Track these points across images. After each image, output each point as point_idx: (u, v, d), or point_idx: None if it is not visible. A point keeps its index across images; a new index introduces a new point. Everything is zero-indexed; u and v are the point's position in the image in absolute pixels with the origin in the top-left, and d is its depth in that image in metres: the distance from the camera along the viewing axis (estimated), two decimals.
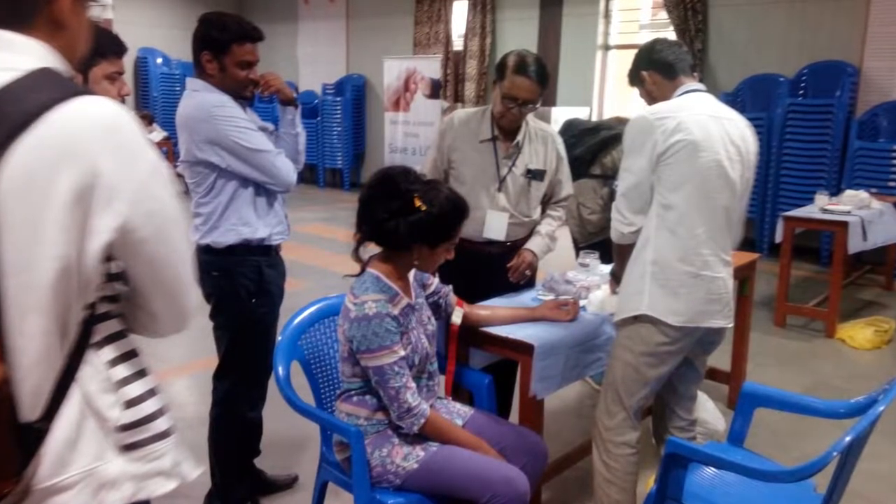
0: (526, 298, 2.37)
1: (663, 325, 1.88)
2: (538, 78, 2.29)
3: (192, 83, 2.08)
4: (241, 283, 2.12)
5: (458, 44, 8.93)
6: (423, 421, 1.73)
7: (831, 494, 1.56)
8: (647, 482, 2.18)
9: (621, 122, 3.26)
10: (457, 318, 2.03)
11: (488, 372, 2.14)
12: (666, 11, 6.92)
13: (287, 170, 2.13)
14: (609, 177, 3.20)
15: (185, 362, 3.62)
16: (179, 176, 2.09)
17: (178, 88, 9.95)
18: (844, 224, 4.17)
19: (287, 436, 2.76)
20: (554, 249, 2.56)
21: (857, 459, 1.59)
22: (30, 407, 0.86)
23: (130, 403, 0.95)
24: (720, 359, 3.00)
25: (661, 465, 1.73)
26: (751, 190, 2.03)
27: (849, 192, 4.73)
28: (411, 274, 1.89)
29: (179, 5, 10.36)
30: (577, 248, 3.28)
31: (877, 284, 5.47)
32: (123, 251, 0.91)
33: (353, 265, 1.84)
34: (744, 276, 3.07)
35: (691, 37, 6.69)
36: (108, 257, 0.91)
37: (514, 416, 2.17)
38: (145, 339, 1.03)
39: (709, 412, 2.73)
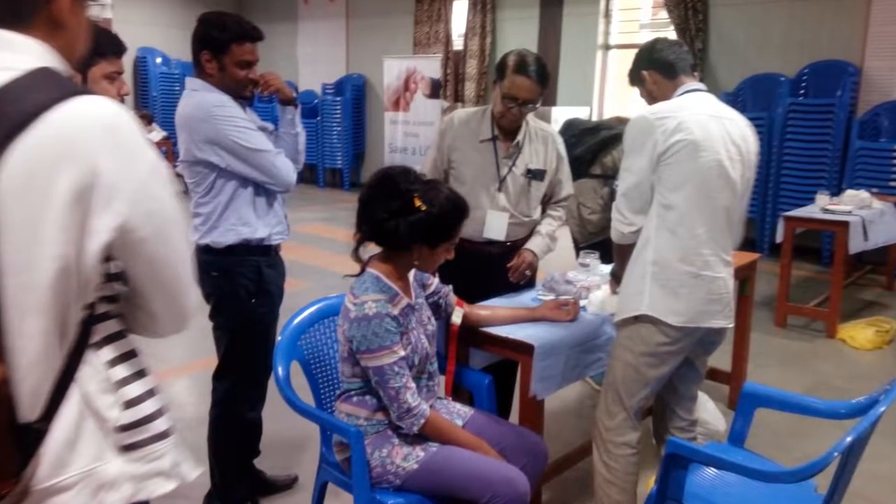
0: (526, 298, 2.36)
1: (664, 326, 1.88)
2: (538, 78, 2.29)
3: (192, 83, 2.08)
4: (240, 284, 2.12)
5: (458, 43, 8.93)
6: (422, 421, 1.73)
7: (832, 495, 1.56)
8: (648, 482, 2.17)
9: (621, 121, 3.25)
10: (457, 319, 2.03)
11: (488, 372, 2.13)
12: (666, 11, 6.91)
13: (287, 170, 2.12)
14: (609, 177, 3.20)
15: (184, 362, 3.62)
16: (179, 176, 2.09)
17: (177, 88, 9.95)
18: (845, 224, 4.16)
19: (287, 436, 2.75)
20: (554, 249, 2.56)
21: (858, 460, 1.58)
22: (29, 407, 0.86)
23: (130, 404, 0.95)
24: (721, 359, 3.00)
25: (662, 465, 1.73)
26: (751, 190, 2.03)
27: (850, 192, 4.72)
28: (411, 274, 1.89)
29: (179, 5, 10.36)
30: (578, 248, 3.28)
31: (878, 284, 5.47)
32: (123, 251, 0.91)
33: (353, 265, 1.84)
34: (744, 277, 3.07)
35: (692, 36, 6.69)
36: (108, 257, 0.91)
37: (515, 417, 2.17)
38: (145, 340, 1.02)
39: (709, 412, 2.73)
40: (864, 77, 6.02)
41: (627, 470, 2.00)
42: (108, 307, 0.96)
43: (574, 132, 3.32)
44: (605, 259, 2.51)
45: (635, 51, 2.10)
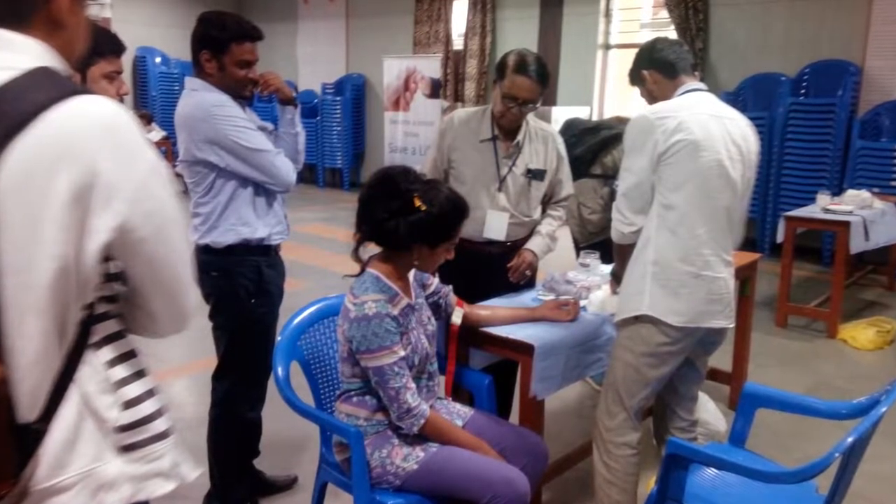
0: (526, 298, 2.36)
1: (664, 326, 1.87)
2: (538, 77, 2.28)
3: (191, 82, 2.07)
4: (240, 284, 2.11)
5: (458, 43, 8.93)
6: (422, 421, 1.73)
7: (833, 496, 1.55)
8: (648, 483, 2.17)
9: (622, 121, 3.25)
10: (457, 319, 2.02)
11: (488, 372, 2.13)
12: (667, 10, 6.91)
13: (286, 169, 2.12)
14: (609, 176, 3.19)
15: (184, 363, 3.62)
16: (178, 175, 2.09)
17: (176, 88, 9.94)
18: (846, 224, 4.16)
19: (286, 436, 2.75)
20: (554, 249, 2.55)
21: (860, 461, 1.58)
22: (28, 408, 0.86)
23: (129, 404, 0.95)
24: (721, 359, 2.99)
25: (662, 465, 1.73)
26: (752, 190, 2.03)
27: (851, 192, 4.72)
28: (411, 274, 1.89)
29: (178, 4, 10.36)
30: (578, 248, 3.28)
31: (879, 285, 5.46)
32: (122, 251, 0.90)
33: (353, 265, 1.84)
34: (745, 277, 3.07)
35: (692, 36, 6.69)
36: (107, 257, 0.90)
37: (515, 417, 2.17)
38: (144, 340, 1.02)
39: (710, 413, 2.72)
40: (865, 77, 6.01)
41: (628, 470, 2.00)
42: (108, 307, 0.96)
43: (574, 132, 3.32)
44: (606, 259, 2.51)
45: (636, 50, 2.10)
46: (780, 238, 4.39)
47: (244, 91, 2.08)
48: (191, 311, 1.02)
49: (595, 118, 7.41)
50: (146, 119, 8.76)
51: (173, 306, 0.99)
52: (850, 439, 1.41)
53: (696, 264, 1.86)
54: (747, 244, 2.69)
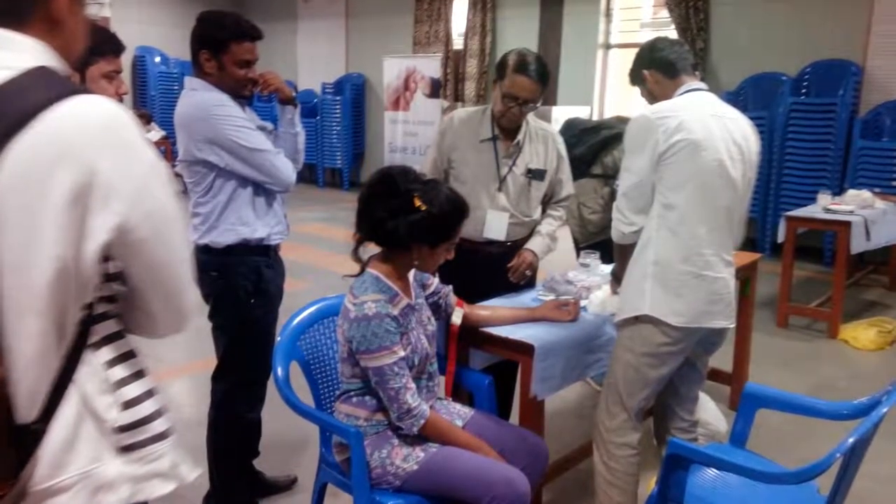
0: (526, 299, 2.36)
1: (665, 326, 1.87)
2: (539, 77, 2.28)
3: (191, 82, 2.07)
4: (239, 284, 2.11)
5: (458, 42, 8.92)
6: (422, 422, 1.72)
7: (834, 496, 1.55)
8: (649, 483, 2.17)
9: (622, 121, 3.25)
10: (457, 319, 2.02)
11: (488, 373, 2.13)
12: (667, 10, 6.91)
13: (286, 169, 2.12)
14: (610, 176, 3.19)
15: (183, 363, 3.61)
16: (178, 175, 2.08)
17: (176, 87, 9.94)
18: (847, 224, 4.16)
19: (286, 437, 2.75)
20: (554, 249, 2.55)
21: (861, 461, 1.58)
22: (26, 408, 0.86)
23: (128, 404, 0.95)
24: (722, 360, 2.99)
25: (663, 466, 1.72)
26: (753, 189, 2.02)
27: (852, 192, 4.71)
28: (411, 274, 1.88)
29: (178, 4, 10.36)
30: (578, 248, 3.27)
31: (880, 285, 5.46)
32: (122, 251, 0.90)
33: (353, 265, 1.83)
34: (746, 277, 3.07)
35: (693, 35, 6.68)
36: (106, 257, 0.90)
37: (515, 417, 2.16)
38: (144, 340, 1.02)
39: (710, 413, 2.72)
40: (866, 76, 6.01)
41: (628, 471, 1.99)
42: (107, 307, 0.96)
43: (574, 132, 3.32)
44: (606, 259, 2.51)
45: (636, 50, 2.10)
46: (780, 238, 4.38)
47: (244, 91, 2.08)
48: (190, 312, 1.01)
49: (595, 118, 7.40)
50: (145, 119, 8.75)
51: (173, 306, 0.99)
52: (851, 440, 1.41)
53: (696, 264, 1.86)
54: (748, 244, 2.69)
